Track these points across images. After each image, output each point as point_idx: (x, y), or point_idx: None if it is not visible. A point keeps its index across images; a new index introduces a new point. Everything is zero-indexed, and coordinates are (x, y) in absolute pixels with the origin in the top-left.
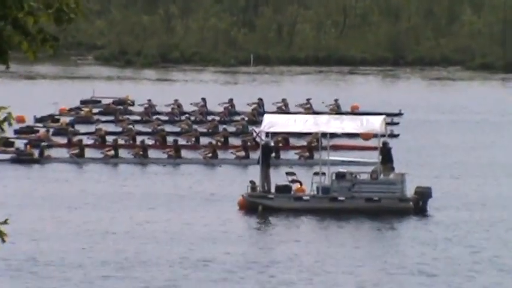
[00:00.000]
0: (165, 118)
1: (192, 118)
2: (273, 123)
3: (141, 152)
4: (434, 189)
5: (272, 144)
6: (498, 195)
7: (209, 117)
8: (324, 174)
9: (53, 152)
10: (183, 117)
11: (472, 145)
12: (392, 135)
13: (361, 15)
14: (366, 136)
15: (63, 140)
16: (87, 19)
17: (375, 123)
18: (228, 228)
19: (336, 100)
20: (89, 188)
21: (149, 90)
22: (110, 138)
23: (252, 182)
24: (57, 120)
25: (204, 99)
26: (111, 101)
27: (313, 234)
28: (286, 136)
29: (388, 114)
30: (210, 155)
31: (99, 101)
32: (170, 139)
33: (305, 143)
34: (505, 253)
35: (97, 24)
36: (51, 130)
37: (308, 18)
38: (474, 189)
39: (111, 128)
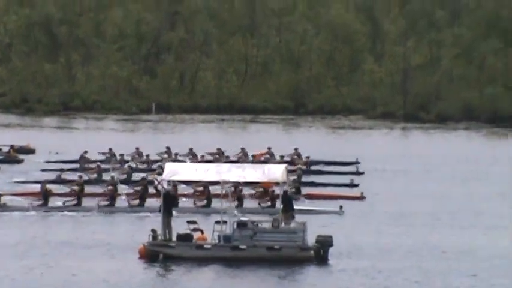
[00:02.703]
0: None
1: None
2: (174, 171)
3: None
4: (335, 238)
5: (173, 192)
6: (398, 244)
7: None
8: (225, 222)
9: None
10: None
11: (372, 194)
12: (353, 185)
13: (263, 64)
14: (267, 185)
15: None
16: None
17: (276, 172)
18: (128, 277)
19: (242, 149)
20: None
21: (50, 138)
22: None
23: (154, 231)
24: None
25: (168, 148)
26: (11, 148)
27: (215, 283)
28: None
29: (344, 163)
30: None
31: (0, 149)
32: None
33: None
34: None
35: None
36: None
37: (210, 66)
38: (374, 238)
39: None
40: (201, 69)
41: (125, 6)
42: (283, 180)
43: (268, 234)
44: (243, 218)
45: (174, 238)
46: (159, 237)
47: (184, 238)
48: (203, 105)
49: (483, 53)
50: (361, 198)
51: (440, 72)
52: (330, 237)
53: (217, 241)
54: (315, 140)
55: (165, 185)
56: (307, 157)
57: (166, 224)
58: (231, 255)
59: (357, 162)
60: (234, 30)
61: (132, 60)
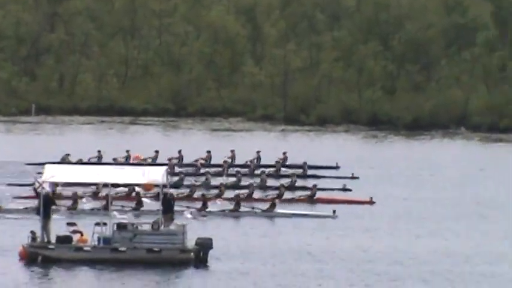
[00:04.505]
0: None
1: None
2: (55, 173)
3: None
4: (216, 240)
5: (52, 194)
6: (277, 244)
7: None
8: (105, 224)
9: None
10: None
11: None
12: (346, 189)
13: (143, 66)
14: (148, 187)
15: None
16: None
17: (157, 174)
18: (7, 279)
19: (157, 151)
20: None
21: None
22: None
23: (33, 232)
24: None
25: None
26: None
27: (93, 285)
28: None
29: (325, 167)
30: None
31: None
32: None
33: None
34: None
35: None
36: None
37: (90, 68)
38: (254, 240)
39: None
40: (81, 71)
41: (4, 7)
42: (163, 182)
43: (148, 236)
44: (122, 220)
45: (53, 240)
46: (38, 239)
47: (64, 240)
48: (83, 107)
49: (362, 56)
50: (370, 202)
51: (319, 75)
52: (210, 239)
53: (96, 243)
54: (195, 142)
55: (47, 187)
56: (305, 162)
57: (45, 226)
58: (110, 257)
59: (336, 167)
60: (114, 32)
61: (11, 61)
